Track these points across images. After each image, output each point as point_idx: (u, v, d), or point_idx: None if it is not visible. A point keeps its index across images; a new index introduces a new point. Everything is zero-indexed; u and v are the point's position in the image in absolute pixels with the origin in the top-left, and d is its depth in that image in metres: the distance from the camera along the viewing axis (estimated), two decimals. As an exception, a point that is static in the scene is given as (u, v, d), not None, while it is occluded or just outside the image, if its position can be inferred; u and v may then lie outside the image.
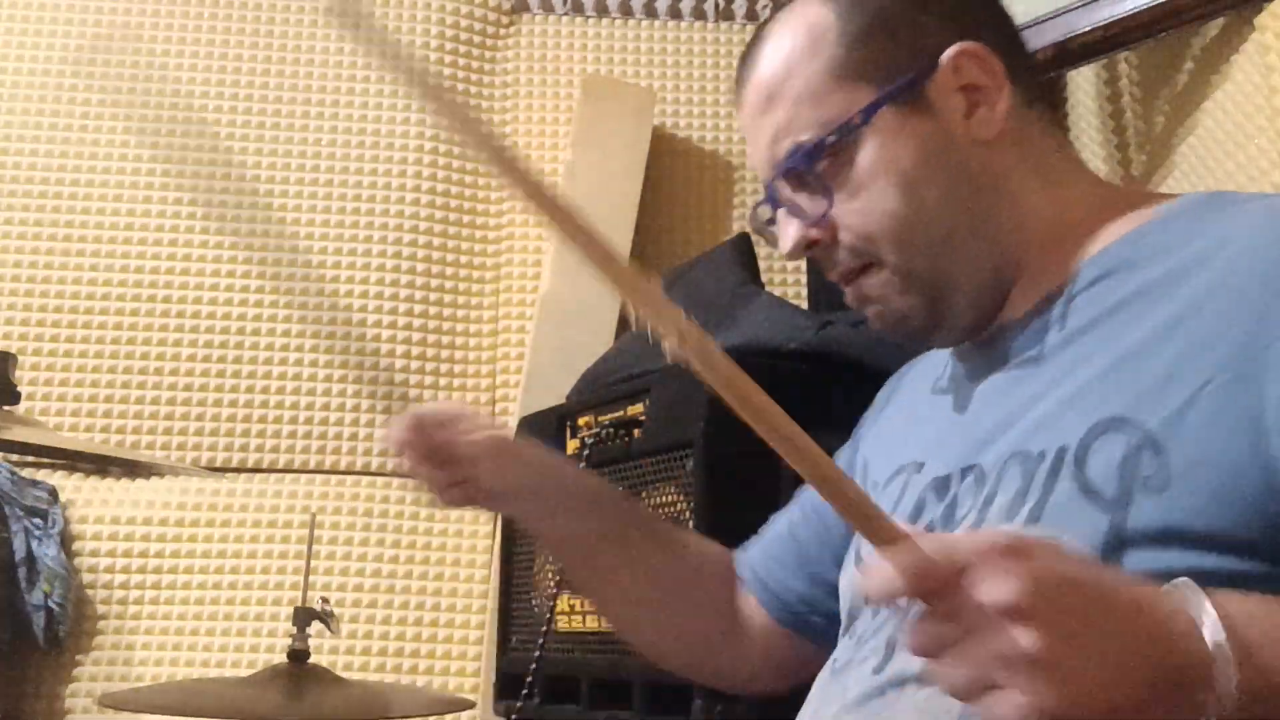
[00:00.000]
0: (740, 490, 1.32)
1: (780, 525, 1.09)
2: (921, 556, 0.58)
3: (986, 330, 0.88)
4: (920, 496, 0.86)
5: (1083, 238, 0.84)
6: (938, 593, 0.58)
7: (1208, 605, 0.60)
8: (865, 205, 0.85)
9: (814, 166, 0.85)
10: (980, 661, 0.57)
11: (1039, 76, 0.94)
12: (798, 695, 0.90)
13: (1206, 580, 0.62)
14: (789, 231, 0.88)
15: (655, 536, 1.10)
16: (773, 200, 0.90)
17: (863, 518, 0.61)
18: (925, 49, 0.85)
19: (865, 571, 0.60)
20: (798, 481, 1.34)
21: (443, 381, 2.27)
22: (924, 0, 0.88)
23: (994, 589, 0.56)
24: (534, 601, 1.64)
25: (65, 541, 2.05)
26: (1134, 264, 0.79)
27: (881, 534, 0.60)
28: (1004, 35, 0.89)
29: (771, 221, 0.92)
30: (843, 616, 0.92)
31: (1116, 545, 0.69)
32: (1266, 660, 0.59)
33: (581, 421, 1.62)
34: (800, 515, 1.07)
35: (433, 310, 2.29)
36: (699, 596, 1.10)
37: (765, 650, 1.08)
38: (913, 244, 0.84)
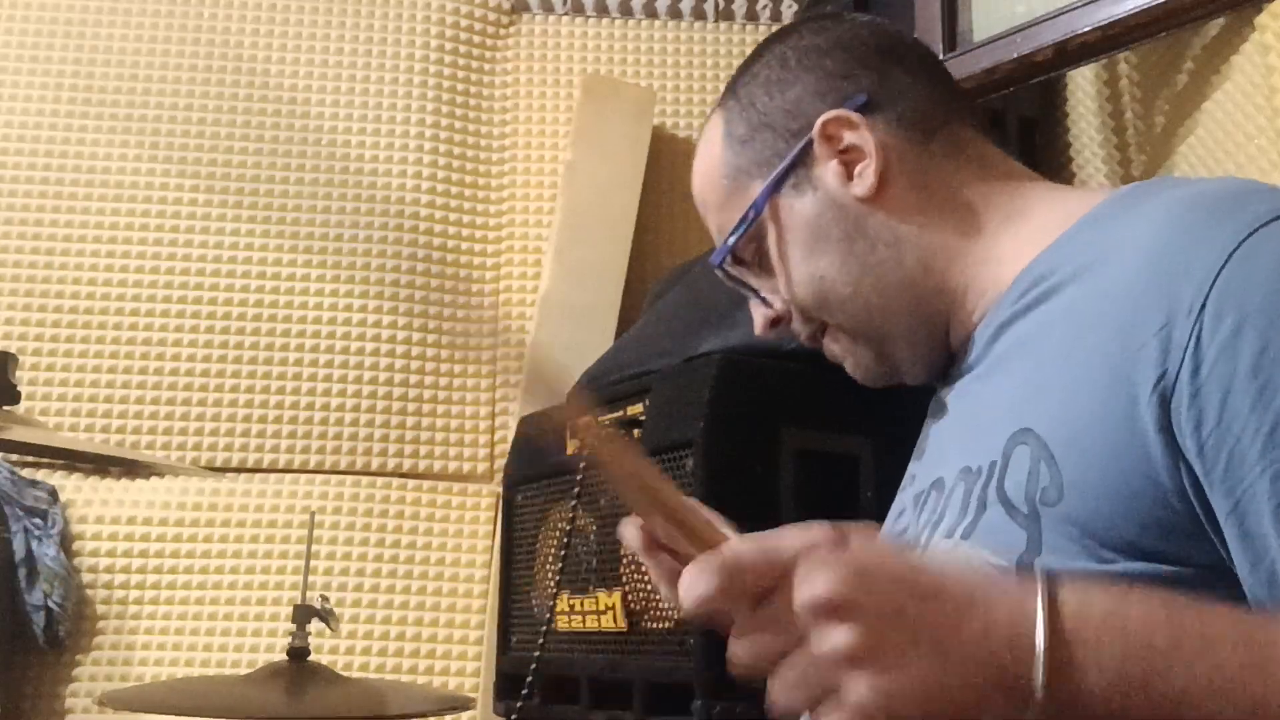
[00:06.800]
0: (740, 490, 1.32)
1: None
2: (735, 558, 0.57)
3: (953, 353, 0.90)
4: (902, 510, 0.89)
5: (1016, 251, 0.84)
6: (757, 595, 0.57)
7: (1040, 603, 0.56)
8: (784, 282, 0.92)
9: (736, 264, 0.94)
10: (807, 666, 0.56)
11: (952, 104, 0.92)
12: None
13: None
14: (755, 317, 0.97)
15: None
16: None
17: (690, 532, 0.62)
18: (800, 130, 0.89)
19: (684, 578, 0.59)
20: (797, 481, 1.35)
21: (443, 381, 2.27)
22: (792, 83, 0.91)
23: (809, 585, 0.55)
24: (534, 601, 1.64)
25: (65, 541, 2.05)
26: (1049, 274, 0.79)
27: (705, 542, 0.60)
28: (883, 84, 0.89)
29: None
30: None
31: (1034, 559, 0.68)
32: (1088, 666, 0.56)
33: (582, 421, 1.61)
34: None
35: (433, 310, 2.29)
36: None
37: None
38: (831, 305, 0.90)
